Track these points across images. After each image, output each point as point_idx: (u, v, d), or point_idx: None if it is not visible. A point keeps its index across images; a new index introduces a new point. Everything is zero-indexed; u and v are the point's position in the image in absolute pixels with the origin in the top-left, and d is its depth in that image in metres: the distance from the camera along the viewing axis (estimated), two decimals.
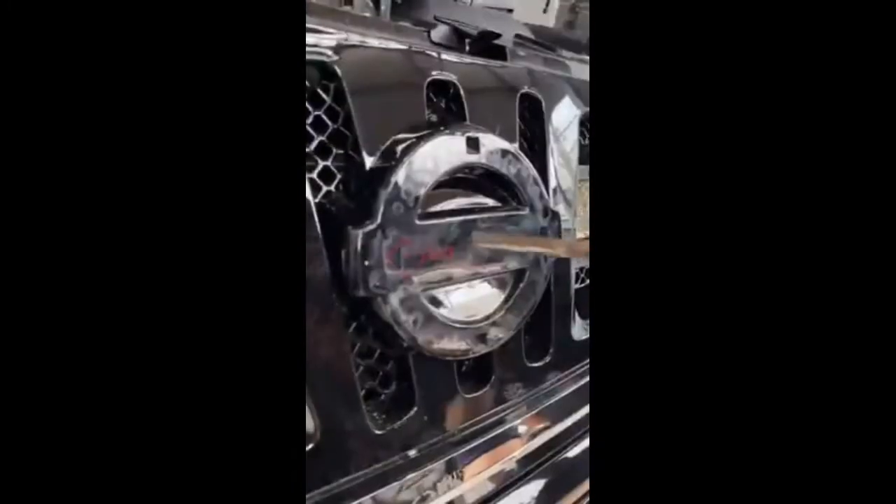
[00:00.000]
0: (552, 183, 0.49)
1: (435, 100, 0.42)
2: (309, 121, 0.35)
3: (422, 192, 0.35)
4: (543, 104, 0.49)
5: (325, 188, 0.36)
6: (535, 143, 0.49)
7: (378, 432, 0.37)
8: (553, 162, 0.49)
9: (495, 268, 0.41)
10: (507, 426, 0.45)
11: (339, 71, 0.35)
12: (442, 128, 0.38)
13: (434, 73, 0.40)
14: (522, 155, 0.42)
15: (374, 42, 0.38)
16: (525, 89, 0.47)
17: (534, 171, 0.43)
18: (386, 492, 0.36)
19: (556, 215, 0.44)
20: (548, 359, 0.49)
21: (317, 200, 0.35)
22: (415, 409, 0.39)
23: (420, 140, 0.36)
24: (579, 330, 0.52)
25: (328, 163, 0.36)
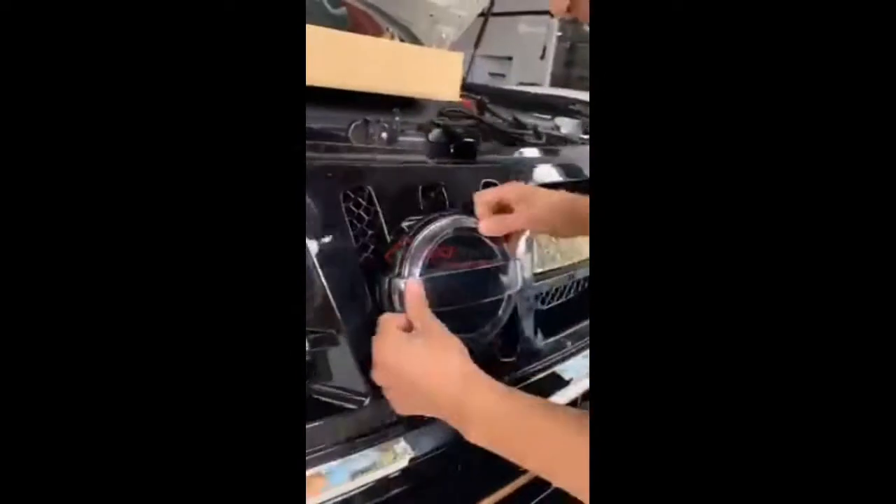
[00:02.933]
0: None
1: (429, 195, 0.68)
2: (356, 214, 0.61)
3: (422, 254, 0.60)
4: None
5: (363, 255, 0.61)
6: None
7: None
8: None
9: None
10: None
11: (368, 187, 0.61)
12: (434, 215, 0.63)
13: (425, 180, 0.66)
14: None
15: (387, 160, 0.64)
16: (485, 179, 0.73)
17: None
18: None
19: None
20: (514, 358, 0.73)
21: (360, 260, 0.60)
22: None
23: (418, 221, 0.62)
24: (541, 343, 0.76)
25: (365, 240, 0.62)
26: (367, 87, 0.77)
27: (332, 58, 0.73)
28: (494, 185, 0.74)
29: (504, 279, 0.67)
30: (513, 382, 0.72)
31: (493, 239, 0.66)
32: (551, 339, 0.78)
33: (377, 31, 1.74)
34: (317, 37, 0.71)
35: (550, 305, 0.85)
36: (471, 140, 0.74)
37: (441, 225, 0.63)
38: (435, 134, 0.77)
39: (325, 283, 0.56)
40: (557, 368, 0.77)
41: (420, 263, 0.60)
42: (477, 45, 1.62)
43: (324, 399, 0.59)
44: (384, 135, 0.75)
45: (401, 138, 0.73)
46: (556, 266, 0.84)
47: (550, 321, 0.81)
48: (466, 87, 1.51)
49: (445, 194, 0.68)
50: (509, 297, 0.68)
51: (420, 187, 0.66)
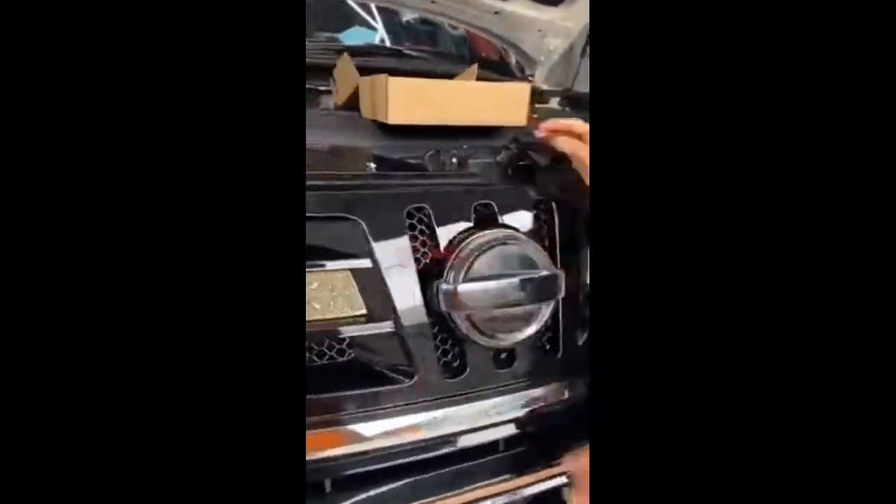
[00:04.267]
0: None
1: (479, 211, 0.80)
2: (418, 229, 0.75)
3: (465, 265, 0.73)
4: (554, 205, 0.83)
5: (421, 262, 0.76)
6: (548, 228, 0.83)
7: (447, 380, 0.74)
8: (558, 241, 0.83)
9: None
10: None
11: (427, 206, 0.75)
12: (477, 230, 0.75)
13: (478, 200, 0.78)
14: (527, 239, 0.77)
15: (442, 184, 0.77)
16: (535, 196, 0.82)
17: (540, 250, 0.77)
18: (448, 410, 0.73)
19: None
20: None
21: (419, 268, 0.74)
22: (466, 372, 0.76)
23: (466, 235, 0.75)
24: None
25: (425, 249, 0.76)
26: (449, 121, 0.91)
27: (419, 100, 0.89)
28: (546, 203, 0.83)
29: (545, 288, 0.77)
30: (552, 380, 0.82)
31: (538, 253, 0.77)
32: None
33: (493, 49, 1.88)
34: (401, 85, 0.87)
35: None
36: (525, 164, 0.85)
37: (485, 239, 0.75)
38: (503, 156, 0.89)
39: (388, 285, 0.71)
40: None
41: (463, 271, 0.73)
42: (583, 53, 1.66)
43: (386, 372, 0.74)
44: (454, 161, 0.89)
45: (473, 161, 0.87)
46: None
47: None
48: (576, 99, 1.58)
49: (496, 210, 0.79)
50: (550, 304, 0.78)
51: (473, 205, 0.78)
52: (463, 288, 0.72)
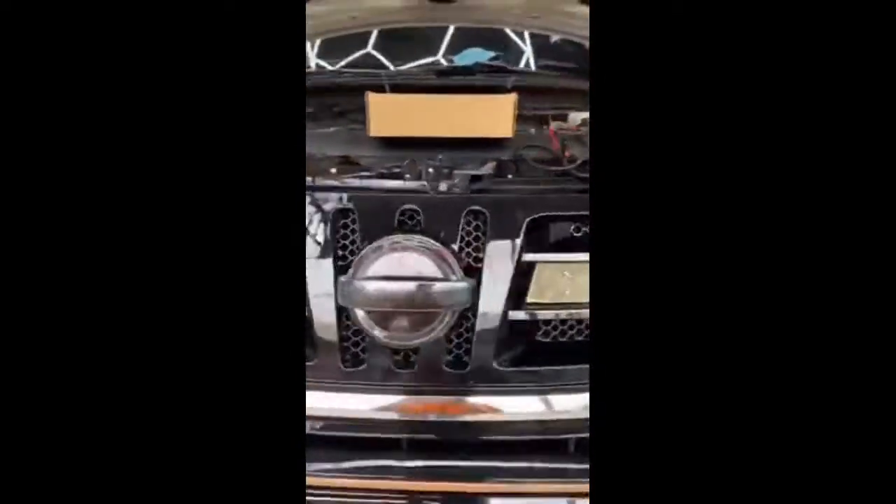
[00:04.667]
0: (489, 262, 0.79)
1: (412, 217, 0.83)
2: (350, 228, 0.83)
3: (364, 264, 0.78)
4: (488, 216, 0.81)
5: (349, 259, 0.83)
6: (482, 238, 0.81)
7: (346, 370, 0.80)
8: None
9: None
10: None
11: (353, 208, 0.83)
12: (393, 234, 0.79)
13: (403, 206, 0.82)
14: (439, 246, 0.77)
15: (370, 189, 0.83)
16: (469, 207, 0.81)
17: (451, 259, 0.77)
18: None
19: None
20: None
21: (343, 265, 0.82)
22: (364, 365, 0.80)
23: (379, 237, 0.80)
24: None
25: (348, 251, 0.83)
26: (432, 134, 0.96)
27: (401, 115, 0.97)
28: (481, 213, 0.81)
29: (444, 297, 0.76)
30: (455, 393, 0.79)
31: (445, 262, 0.77)
32: (517, 369, 0.78)
33: None
34: (381, 101, 0.96)
35: (551, 339, 0.83)
36: (472, 174, 0.85)
37: (394, 243, 0.79)
38: (487, 167, 0.91)
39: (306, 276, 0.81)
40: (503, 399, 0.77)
41: (361, 269, 0.78)
42: None
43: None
44: (430, 170, 0.93)
45: (458, 171, 0.90)
46: (562, 301, 0.82)
47: (542, 353, 0.81)
48: None
49: (422, 218, 0.82)
50: (453, 312, 0.77)
51: (398, 211, 0.83)
52: (357, 284, 0.77)
